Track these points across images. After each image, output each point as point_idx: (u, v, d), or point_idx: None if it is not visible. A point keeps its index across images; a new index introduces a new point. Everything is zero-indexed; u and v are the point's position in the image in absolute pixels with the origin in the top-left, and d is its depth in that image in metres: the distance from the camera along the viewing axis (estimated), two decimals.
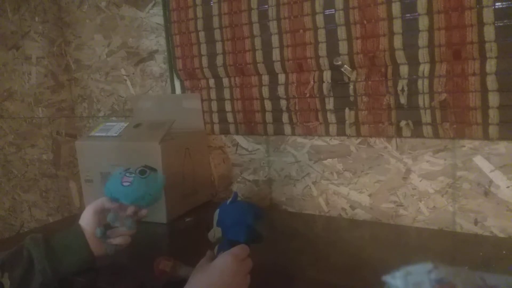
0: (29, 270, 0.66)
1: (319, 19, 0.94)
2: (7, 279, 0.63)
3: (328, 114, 0.98)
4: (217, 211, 0.71)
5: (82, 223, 0.74)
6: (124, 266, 0.79)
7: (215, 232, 0.69)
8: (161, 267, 0.68)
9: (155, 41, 1.22)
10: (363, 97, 0.92)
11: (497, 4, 0.76)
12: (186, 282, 0.60)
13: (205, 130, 1.17)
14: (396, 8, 0.85)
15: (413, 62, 0.86)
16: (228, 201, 0.70)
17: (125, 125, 1.07)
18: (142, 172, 0.79)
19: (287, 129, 1.04)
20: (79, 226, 0.74)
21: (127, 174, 0.78)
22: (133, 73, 1.29)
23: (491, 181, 0.83)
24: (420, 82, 0.86)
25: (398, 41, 0.86)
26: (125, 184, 0.76)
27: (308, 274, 0.72)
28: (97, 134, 1.08)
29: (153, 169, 0.81)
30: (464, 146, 0.85)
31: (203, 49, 1.11)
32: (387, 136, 0.93)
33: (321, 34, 0.94)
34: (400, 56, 0.86)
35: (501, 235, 0.84)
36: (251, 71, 1.06)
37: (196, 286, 0.59)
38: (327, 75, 0.96)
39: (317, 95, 0.98)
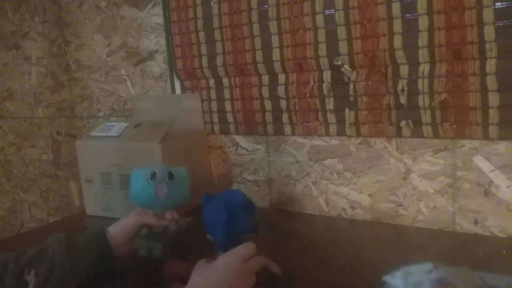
0: (52, 268, 0.66)
1: (319, 19, 0.94)
2: (33, 276, 0.64)
3: (328, 114, 0.98)
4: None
5: (113, 227, 0.74)
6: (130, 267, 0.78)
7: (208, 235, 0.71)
8: (175, 271, 0.68)
9: (155, 41, 1.22)
10: (363, 97, 0.92)
11: (497, 4, 0.76)
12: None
13: (205, 130, 1.16)
14: (396, 8, 0.85)
15: (413, 62, 0.86)
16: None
17: (125, 125, 1.07)
18: (171, 177, 0.79)
19: (287, 129, 1.04)
20: (102, 230, 0.74)
21: (159, 185, 0.78)
22: (133, 73, 1.29)
23: (491, 181, 0.83)
24: (420, 82, 0.86)
25: (398, 41, 0.86)
26: (162, 198, 0.78)
27: (308, 274, 0.72)
28: (97, 134, 1.08)
29: (171, 169, 0.81)
30: (464, 146, 0.85)
31: (203, 49, 1.11)
32: (387, 136, 0.93)
33: (321, 34, 0.94)
34: (400, 56, 0.86)
35: (501, 235, 0.84)
36: (251, 71, 1.06)
37: (197, 286, 0.58)
38: (327, 75, 0.96)
39: (317, 95, 0.98)
